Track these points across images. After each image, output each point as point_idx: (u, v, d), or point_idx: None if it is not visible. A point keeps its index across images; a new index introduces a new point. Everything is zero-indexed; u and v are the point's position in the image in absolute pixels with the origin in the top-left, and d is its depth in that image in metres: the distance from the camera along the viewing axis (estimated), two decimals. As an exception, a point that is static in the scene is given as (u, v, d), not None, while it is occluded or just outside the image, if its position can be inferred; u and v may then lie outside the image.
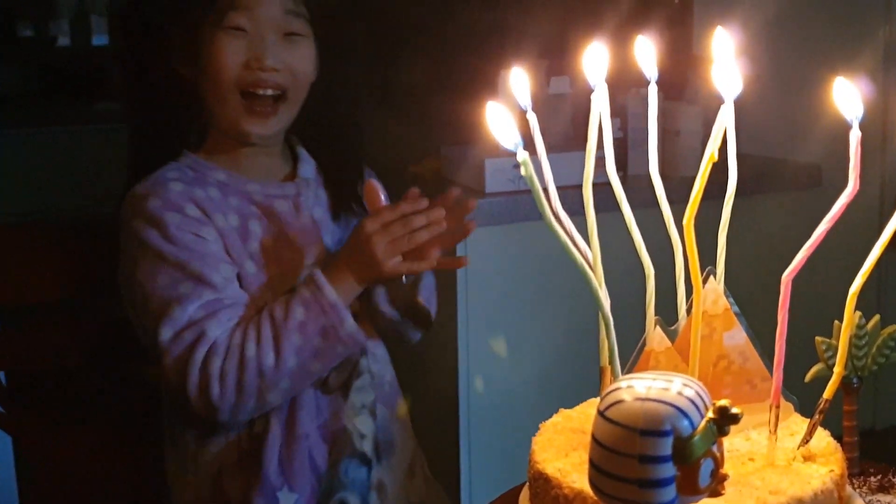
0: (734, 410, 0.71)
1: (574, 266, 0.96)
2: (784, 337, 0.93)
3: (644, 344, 1.04)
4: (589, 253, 1.02)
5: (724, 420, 0.71)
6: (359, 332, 1.54)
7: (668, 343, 1.03)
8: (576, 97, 2.60)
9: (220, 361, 1.49)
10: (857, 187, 0.86)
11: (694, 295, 0.98)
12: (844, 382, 0.99)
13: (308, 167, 1.71)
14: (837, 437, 1.03)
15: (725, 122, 0.95)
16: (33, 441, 1.79)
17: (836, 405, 1.02)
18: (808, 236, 0.92)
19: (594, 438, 0.72)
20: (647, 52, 0.99)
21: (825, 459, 0.92)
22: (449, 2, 3.28)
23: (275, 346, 1.49)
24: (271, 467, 1.58)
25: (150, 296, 1.55)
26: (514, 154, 0.90)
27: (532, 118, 1.00)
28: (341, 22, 1.69)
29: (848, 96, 0.89)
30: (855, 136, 0.86)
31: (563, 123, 2.62)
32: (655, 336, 1.03)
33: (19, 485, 2.28)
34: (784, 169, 3.05)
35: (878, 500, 0.97)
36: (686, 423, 0.69)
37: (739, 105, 0.97)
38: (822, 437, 0.97)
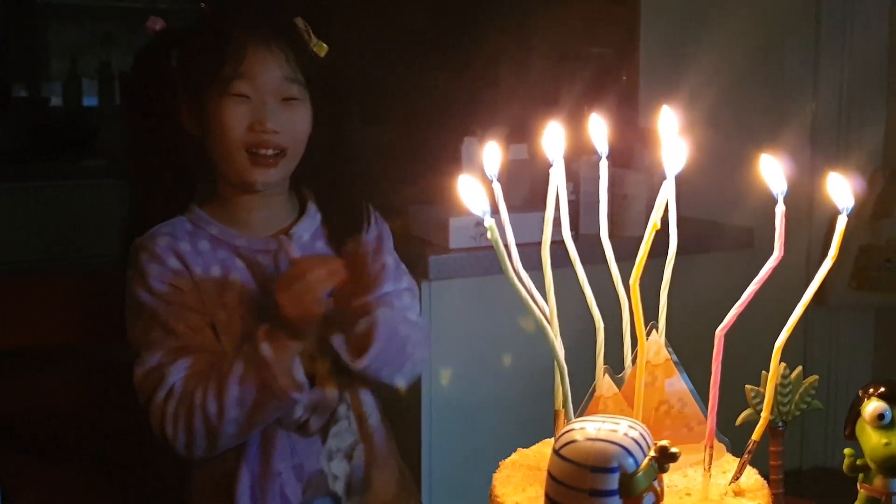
0: (673, 450, 0.74)
1: (532, 318, 1.00)
2: (717, 385, 0.97)
3: (594, 390, 1.07)
4: (546, 307, 1.06)
5: (664, 458, 0.74)
6: (291, 390, 1.51)
7: (616, 389, 1.07)
8: (533, 162, 2.65)
9: (175, 404, 1.51)
10: (783, 253, 0.90)
11: (638, 347, 1.02)
12: (771, 426, 1.03)
13: (308, 222, 1.72)
14: (765, 475, 1.08)
15: (668, 195, 0.99)
16: (17, 481, 1.75)
17: (764, 447, 1.07)
18: (741, 294, 0.96)
19: (550, 474, 0.75)
20: (598, 129, 1.04)
21: (753, 494, 0.96)
22: (417, 73, 3.34)
23: (217, 396, 1.50)
24: (242, 500, 1.60)
25: (131, 340, 1.60)
26: (474, 214, 0.94)
27: (497, 187, 1.04)
28: (333, 86, 1.71)
29: (774, 172, 0.93)
30: (780, 210, 0.90)
31: (521, 187, 2.66)
32: (604, 383, 1.07)
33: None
34: (721, 231, 3.10)
35: None
36: (631, 461, 0.72)
37: (681, 173, 1.01)
38: (751, 475, 1.02)
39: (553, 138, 1.07)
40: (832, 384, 3.75)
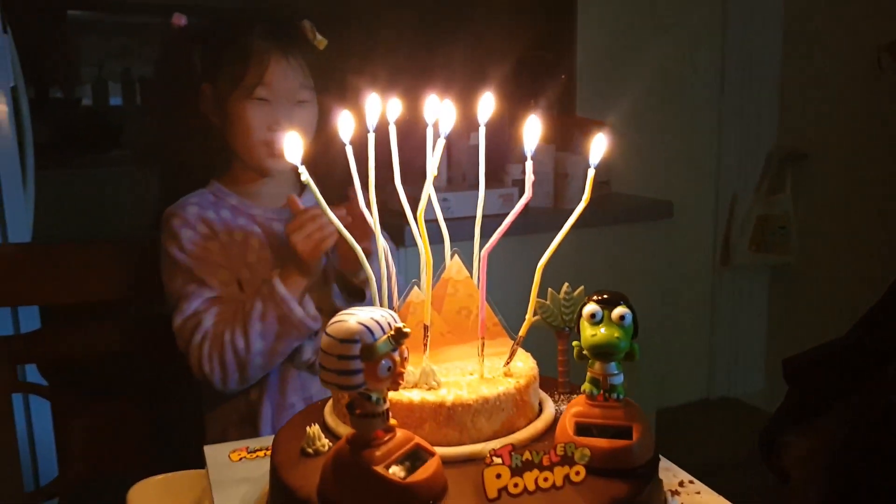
0: (406, 330, 0.82)
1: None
2: (484, 292, 1.02)
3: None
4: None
5: (398, 336, 0.82)
6: (307, 319, 1.54)
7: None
8: (489, 148, 2.69)
9: (209, 344, 1.54)
10: (531, 195, 0.95)
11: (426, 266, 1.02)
12: (558, 330, 1.08)
13: (310, 196, 1.71)
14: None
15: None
16: (67, 407, 1.80)
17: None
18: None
19: (320, 347, 0.83)
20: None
21: (519, 375, 1.01)
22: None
23: (243, 333, 1.53)
24: (265, 429, 1.63)
25: (169, 293, 1.61)
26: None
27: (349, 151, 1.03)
28: (332, 85, 1.71)
29: (531, 133, 0.99)
30: (529, 165, 0.97)
31: (476, 167, 2.70)
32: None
33: (57, 442, 2.31)
34: (644, 204, 3.17)
35: (566, 403, 1.06)
36: (369, 335, 0.81)
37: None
38: (526, 362, 1.05)
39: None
40: (734, 329, 3.84)
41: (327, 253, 1.56)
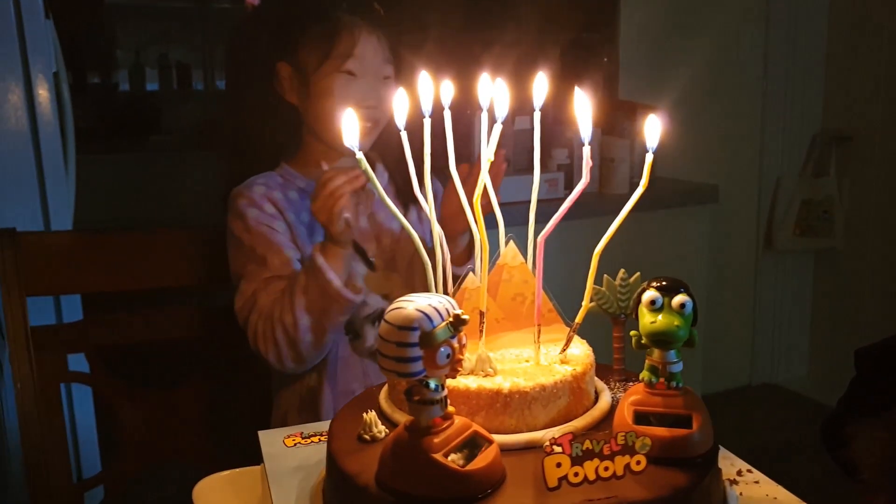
0: (464, 317, 0.82)
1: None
2: (541, 278, 1.00)
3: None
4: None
5: (457, 322, 0.82)
6: (344, 290, 1.50)
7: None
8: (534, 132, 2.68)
9: (262, 323, 1.54)
10: (588, 180, 0.94)
11: (482, 251, 1.02)
12: (614, 317, 1.08)
13: (381, 176, 1.71)
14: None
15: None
16: (110, 394, 1.78)
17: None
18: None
19: (378, 333, 0.83)
20: (584, 112, 1.01)
21: (576, 362, 1.00)
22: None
23: (290, 308, 1.51)
24: (326, 415, 1.61)
25: (233, 274, 1.61)
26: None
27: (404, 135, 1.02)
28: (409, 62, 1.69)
29: (584, 112, 0.97)
30: (587, 151, 0.94)
31: (525, 152, 2.70)
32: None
33: (98, 427, 2.34)
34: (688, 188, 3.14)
35: (622, 391, 1.05)
36: (428, 322, 0.80)
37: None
38: (582, 349, 1.04)
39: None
40: (777, 313, 3.81)
41: (348, 222, 1.51)
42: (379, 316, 1.58)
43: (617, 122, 3.00)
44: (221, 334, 1.73)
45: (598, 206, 2.68)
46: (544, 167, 2.70)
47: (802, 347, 3.86)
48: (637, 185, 0.95)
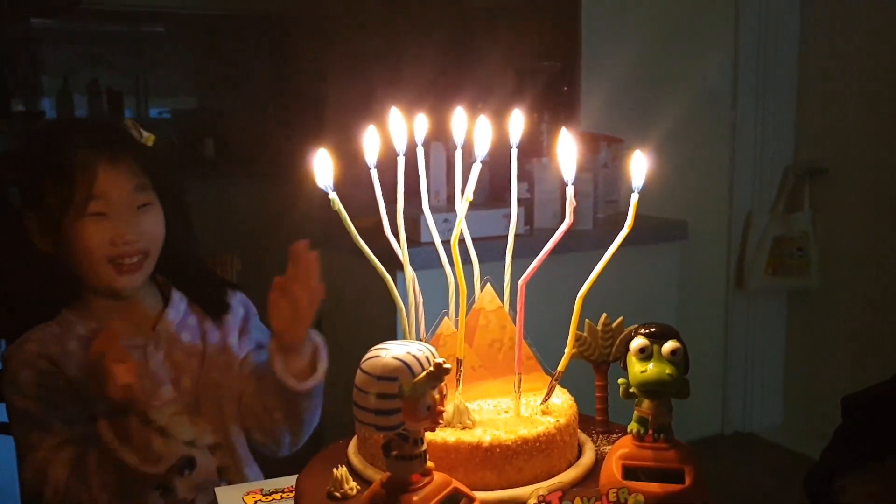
0: (446, 366, 0.83)
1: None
2: (521, 327, 1.03)
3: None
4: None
5: (439, 372, 0.82)
6: (144, 466, 1.41)
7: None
8: (492, 166, 2.70)
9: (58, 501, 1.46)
10: (572, 221, 0.97)
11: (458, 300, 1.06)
12: (596, 364, 1.10)
13: (176, 306, 1.64)
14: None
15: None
16: None
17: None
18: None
19: (354, 384, 0.84)
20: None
21: (558, 413, 1.01)
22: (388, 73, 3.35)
23: (88, 490, 1.45)
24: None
25: (15, 441, 1.55)
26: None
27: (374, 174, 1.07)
28: (171, 178, 1.64)
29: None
30: (569, 191, 1.00)
31: (481, 186, 2.70)
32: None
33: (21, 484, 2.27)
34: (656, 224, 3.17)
35: (606, 443, 1.07)
36: (409, 372, 0.82)
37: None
38: (563, 399, 1.06)
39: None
40: (750, 357, 3.84)
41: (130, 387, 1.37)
42: (186, 464, 1.51)
43: (578, 155, 3.02)
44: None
45: (561, 241, 2.67)
46: (503, 201, 2.71)
47: (777, 393, 3.89)
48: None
